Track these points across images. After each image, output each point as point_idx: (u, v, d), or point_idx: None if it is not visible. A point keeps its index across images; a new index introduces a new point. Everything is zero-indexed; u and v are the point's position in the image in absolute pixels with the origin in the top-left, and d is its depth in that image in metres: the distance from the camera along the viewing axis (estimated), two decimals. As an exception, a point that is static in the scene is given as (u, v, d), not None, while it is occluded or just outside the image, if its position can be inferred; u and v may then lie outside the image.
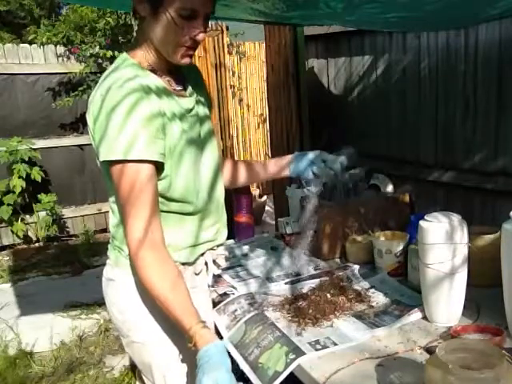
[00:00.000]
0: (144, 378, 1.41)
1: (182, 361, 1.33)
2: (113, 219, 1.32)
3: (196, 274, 1.39)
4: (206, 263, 1.42)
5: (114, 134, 1.11)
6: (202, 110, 1.36)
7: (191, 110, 1.30)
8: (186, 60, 1.24)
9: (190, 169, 1.27)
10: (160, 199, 1.23)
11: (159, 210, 1.21)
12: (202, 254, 1.40)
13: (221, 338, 1.45)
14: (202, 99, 1.38)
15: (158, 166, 1.19)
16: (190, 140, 1.27)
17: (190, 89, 1.33)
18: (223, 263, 1.51)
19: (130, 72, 1.18)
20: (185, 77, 1.34)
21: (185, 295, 1.18)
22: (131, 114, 1.11)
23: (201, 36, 1.20)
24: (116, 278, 1.32)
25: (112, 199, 1.30)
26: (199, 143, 1.32)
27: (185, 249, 1.32)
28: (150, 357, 1.33)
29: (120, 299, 1.33)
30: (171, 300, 1.16)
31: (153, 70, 1.23)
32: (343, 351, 1.25)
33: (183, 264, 1.33)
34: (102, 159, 1.15)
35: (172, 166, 1.22)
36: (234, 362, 1.34)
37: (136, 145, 1.11)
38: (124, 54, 1.25)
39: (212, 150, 1.38)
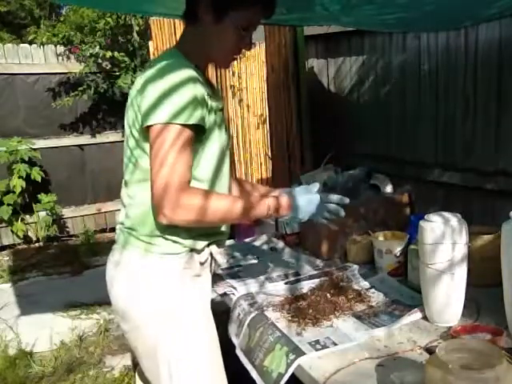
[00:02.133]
0: (146, 370, 1.39)
1: (189, 346, 1.32)
2: (129, 199, 1.33)
3: (201, 264, 1.38)
4: (211, 254, 1.41)
5: (166, 101, 1.17)
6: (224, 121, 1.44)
7: (221, 110, 1.38)
8: (229, 67, 1.41)
9: (216, 156, 1.32)
10: None
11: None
12: (208, 246, 1.39)
13: (233, 346, 1.46)
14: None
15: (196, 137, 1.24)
16: (220, 132, 1.34)
17: (218, 94, 1.42)
18: (223, 262, 1.51)
19: (183, 62, 1.25)
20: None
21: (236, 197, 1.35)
22: (183, 85, 1.19)
23: (250, 48, 1.36)
24: (123, 261, 1.33)
25: (134, 177, 1.31)
26: (225, 144, 1.38)
27: (192, 237, 1.32)
28: (155, 340, 1.31)
29: (127, 281, 1.32)
30: (237, 207, 1.25)
31: (197, 68, 1.29)
32: (343, 351, 1.25)
33: (191, 250, 1.34)
34: (150, 123, 1.19)
35: (202, 144, 1.28)
36: (244, 368, 1.34)
37: (186, 110, 1.18)
38: (174, 49, 1.33)
39: (228, 157, 1.44)
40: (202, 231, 1.33)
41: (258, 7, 1.31)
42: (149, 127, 1.20)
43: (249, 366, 1.35)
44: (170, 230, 1.28)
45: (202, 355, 1.34)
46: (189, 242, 1.32)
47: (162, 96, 1.17)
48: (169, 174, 1.16)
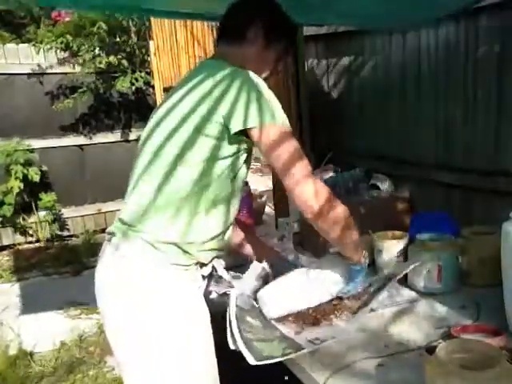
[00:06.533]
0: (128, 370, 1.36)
1: (185, 361, 1.28)
2: (152, 199, 1.26)
3: (203, 277, 1.38)
4: (213, 267, 1.41)
5: (272, 105, 1.24)
6: None
7: None
8: None
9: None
10: (229, 177, 1.30)
11: None
12: (212, 260, 1.39)
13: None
14: None
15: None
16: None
17: None
18: (227, 277, 1.50)
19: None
20: None
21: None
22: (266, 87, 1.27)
23: (278, 74, 1.52)
24: (127, 254, 1.27)
25: (173, 174, 1.25)
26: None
27: (202, 250, 1.31)
28: (156, 337, 1.26)
29: (133, 292, 1.26)
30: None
31: None
32: (343, 351, 1.25)
33: (197, 263, 1.32)
34: (263, 122, 1.21)
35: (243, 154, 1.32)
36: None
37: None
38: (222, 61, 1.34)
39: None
40: (215, 245, 1.33)
41: (291, 38, 1.50)
42: (253, 129, 1.22)
43: (235, 328, 1.27)
44: (184, 238, 1.25)
45: (197, 370, 1.31)
46: (198, 255, 1.30)
47: (260, 99, 1.21)
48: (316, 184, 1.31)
